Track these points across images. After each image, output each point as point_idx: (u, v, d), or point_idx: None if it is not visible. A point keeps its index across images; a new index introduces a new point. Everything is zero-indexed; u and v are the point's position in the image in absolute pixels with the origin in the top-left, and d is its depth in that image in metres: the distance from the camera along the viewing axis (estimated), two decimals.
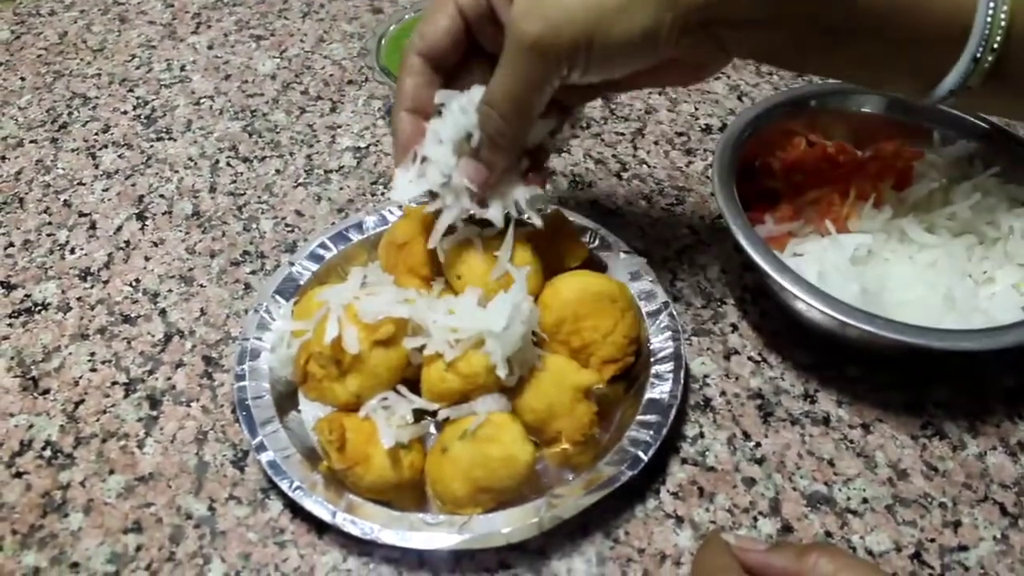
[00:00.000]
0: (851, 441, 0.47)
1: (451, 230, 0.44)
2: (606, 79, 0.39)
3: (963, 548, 0.42)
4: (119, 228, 0.60)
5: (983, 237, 0.50)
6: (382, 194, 0.61)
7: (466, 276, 0.44)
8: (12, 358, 0.51)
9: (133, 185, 0.63)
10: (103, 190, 0.62)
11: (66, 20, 0.80)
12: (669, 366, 0.46)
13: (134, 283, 0.56)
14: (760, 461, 0.46)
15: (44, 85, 0.72)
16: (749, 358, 0.51)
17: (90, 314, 0.54)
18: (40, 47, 0.77)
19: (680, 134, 0.67)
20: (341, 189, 0.62)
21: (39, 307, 0.54)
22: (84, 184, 0.63)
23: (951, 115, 0.54)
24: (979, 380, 0.49)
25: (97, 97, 0.71)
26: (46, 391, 0.50)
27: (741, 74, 0.72)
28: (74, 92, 0.72)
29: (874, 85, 0.52)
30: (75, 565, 0.42)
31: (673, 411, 0.44)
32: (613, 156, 0.64)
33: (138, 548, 0.43)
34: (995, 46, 0.37)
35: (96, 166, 0.64)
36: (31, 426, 0.48)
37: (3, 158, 0.65)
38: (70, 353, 0.52)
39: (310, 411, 0.46)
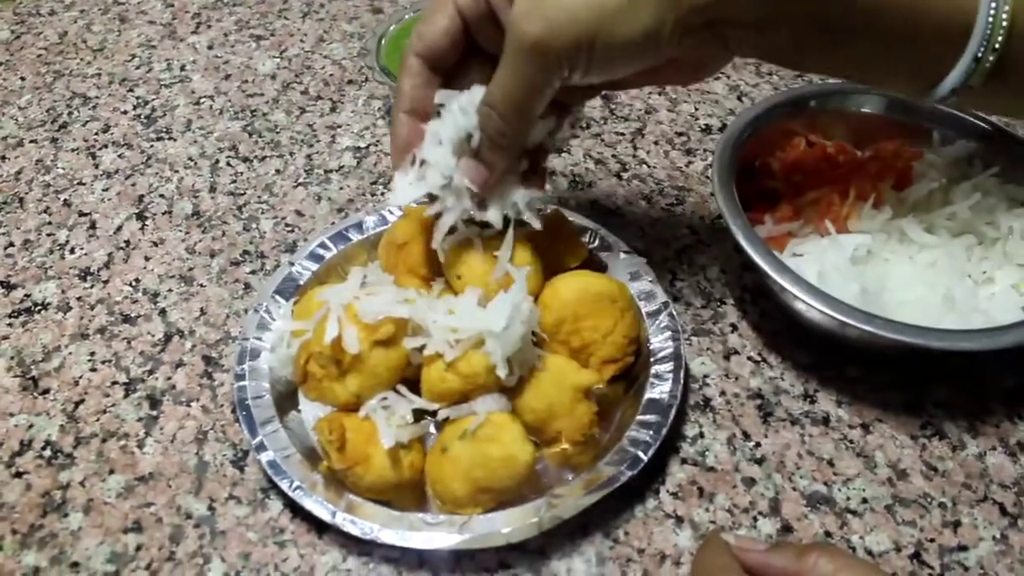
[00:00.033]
0: (851, 441, 0.47)
1: (451, 231, 0.44)
2: (607, 79, 0.39)
3: (963, 548, 0.42)
4: (119, 228, 0.60)
5: (983, 237, 0.50)
6: (382, 194, 0.61)
7: (466, 276, 0.44)
8: (12, 358, 0.51)
9: (133, 185, 0.63)
10: (103, 190, 0.62)
11: (66, 20, 0.80)
12: (669, 366, 0.46)
13: (134, 283, 0.56)
14: (760, 461, 0.46)
15: (44, 85, 0.72)
16: (749, 358, 0.51)
17: (90, 314, 0.54)
18: (40, 47, 0.77)
19: (680, 134, 0.67)
20: (341, 189, 0.62)
21: (39, 307, 0.54)
22: (84, 184, 0.63)
23: (951, 115, 0.54)
24: (979, 380, 0.49)
25: (97, 97, 0.71)
26: (46, 391, 0.50)
27: (741, 74, 0.72)
28: (74, 92, 0.72)
29: (875, 84, 0.52)
30: (75, 565, 0.42)
31: (673, 411, 0.44)
32: (613, 156, 0.64)
33: (138, 548, 0.43)
34: (996, 46, 0.36)
35: (96, 166, 0.65)
36: (31, 426, 0.48)
37: (3, 158, 0.65)
38: (70, 353, 0.52)
39: (310, 411, 0.46)
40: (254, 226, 0.59)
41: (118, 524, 0.44)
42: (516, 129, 0.40)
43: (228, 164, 0.64)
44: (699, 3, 0.36)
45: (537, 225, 0.44)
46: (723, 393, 0.49)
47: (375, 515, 0.41)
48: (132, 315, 0.54)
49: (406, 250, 0.46)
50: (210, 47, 0.76)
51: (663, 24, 0.36)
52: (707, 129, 0.67)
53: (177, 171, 0.64)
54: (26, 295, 0.55)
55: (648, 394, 0.45)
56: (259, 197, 0.62)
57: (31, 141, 0.67)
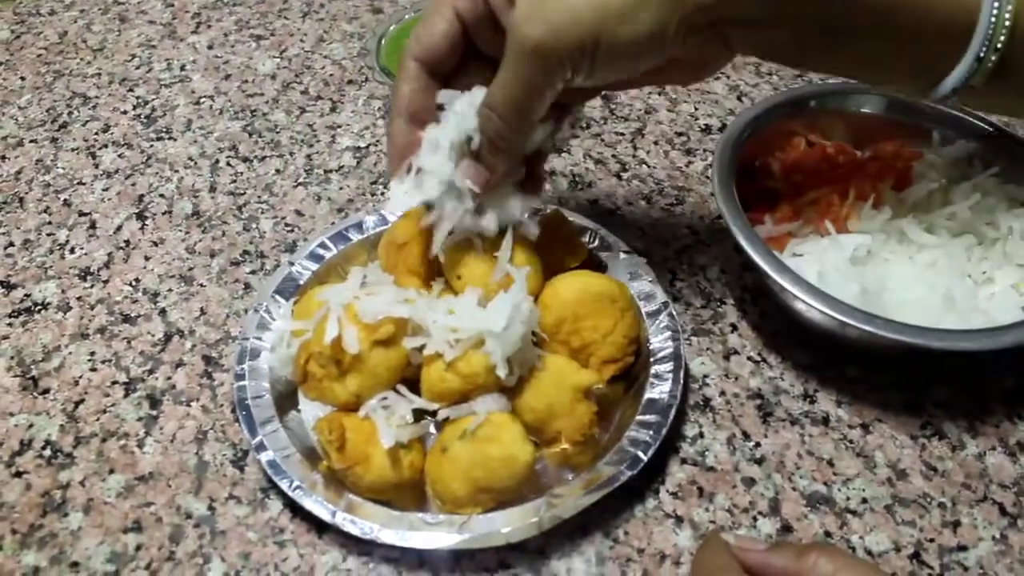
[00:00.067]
0: (850, 441, 0.47)
1: (449, 233, 0.44)
2: (610, 81, 0.39)
3: (962, 548, 0.42)
4: (119, 228, 0.60)
5: (982, 237, 0.50)
6: (382, 194, 0.61)
7: (466, 276, 0.44)
8: (12, 358, 0.51)
9: (133, 185, 0.63)
10: (103, 190, 0.62)
11: (66, 20, 0.80)
12: (669, 366, 0.46)
13: (134, 283, 0.56)
14: (760, 461, 0.46)
15: (44, 85, 0.72)
16: (749, 358, 0.51)
17: (90, 314, 0.54)
18: (40, 47, 0.77)
19: (680, 134, 0.67)
20: (341, 189, 0.62)
21: (39, 307, 0.54)
22: (84, 184, 0.63)
23: (950, 115, 0.54)
24: (978, 380, 0.49)
25: (97, 97, 0.71)
26: (46, 391, 0.50)
27: (741, 74, 0.72)
28: (74, 92, 0.72)
29: (876, 83, 0.52)
30: (75, 564, 0.42)
31: (673, 411, 0.44)
32: (613, 156, 0.65)
33: (138, 547, 0.43)
34: (999, 45, 0.36)
35: (96, 166, 0.65)
36: (31, 425, 0.48)
37: (3, 158, 0.65)
38: (70, 353, 0.52)
39: (310, 411, 0.46)
40: (254, 226, 0.59)
41: (118, 524, 0.44)
42: (516, 131, 0.39)
43: (228, 164, 0.64)
44: (703, 2, 0.36)
45: (535, 232, 0.44)
46: (723, 393, 0.49)
47: (375, 515, 0.41)
48: (132, 315, 0.54)
49: (406, 250, 0.46)
50: (210, 47, 0.76)
51: (667, 24, 0.36)
52: (707, 129, 0.67)
53: (177, 171, 0.64)
54: (26, 295, 0.55)
55: (648, 394, 0.45)
56: (259, 197, 0.62)
57: (31, 141, 0.67)
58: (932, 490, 0.45)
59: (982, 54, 0.37)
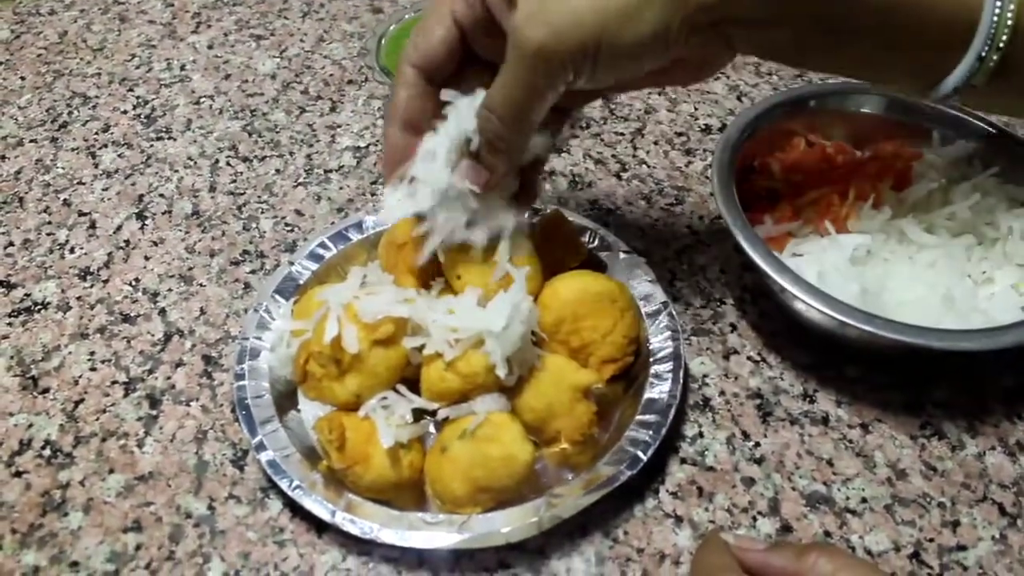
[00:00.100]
0: (850, 441, 0.47)
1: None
2: (612, 83, 0.39)
3: (962, 548, 0.42)
4: (119, 227, 0.60)
5: (982, 237, 0.50)
6: (381, 194, 0.61)
7: (466, 276, 0.44)
8: (12, 357, 0.51)
9: (133, 184, 0.63)
10: (103, 189, 0.62)
11: (66, 19, 0.80)
12: (668, 366, 0.46)
13: (134, 282, 0.56)
14: (759, 461, 0.46)
15: (44, 84, 0.72)
16: (748, 358, 0.51)
17: (90, 313, 0.54)
18: (40, 46, 0.77)
19: (680, 134, 0.67)
20: (341, 189, 0.62)
21: (39, 306, 0.54)
22: (84, 183, 0.63)
23: (950, 115, 0.54)
24: (978, 380, 0.49)
25: (97, 96, 0.71)
26: (46, 390, 0.50)
27: (740, 74, 0.72)
28: (74, 91, 0.72)
29: (877, 82, 0.52)
30: (75, 564, 0.42)
31: (672, 411, 0.44)
32: (613, 156, 0.65)
33: (138, 547, 0.43)
34: (1001, 45, 0.36)
35: (96, 165, 0.65)
36: (31, 425, 0.48)
37: (3, 157, 0.65)
38: (70, 352, 0.52)
39: (310, 410, 0.46)
40: (254, 226, 0.59)
41: (118, 523, 0.44)
42: (516, 133, 0.39)
43: (228, 164, 0.64)
44: (705, 2, 0.35)
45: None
46: (722, 393, 0.49)
47: (375, 514, 0.41)
48: (132, 315, 0.54)
49: (406, 250, 0.46)
50: (210, 47, 0.76)
51: (670, 24, 0.36)
52: (707, 129, 0.67)
53: (177, 171, 0.64)
54: (26, 294, 0.55)
55: (647, 394, 0.45)
56: (259, 197, 0.62)
57: (31, 141, 0.67)
58: (932, 490, 0.45)
59: (984, 53, 0.37)
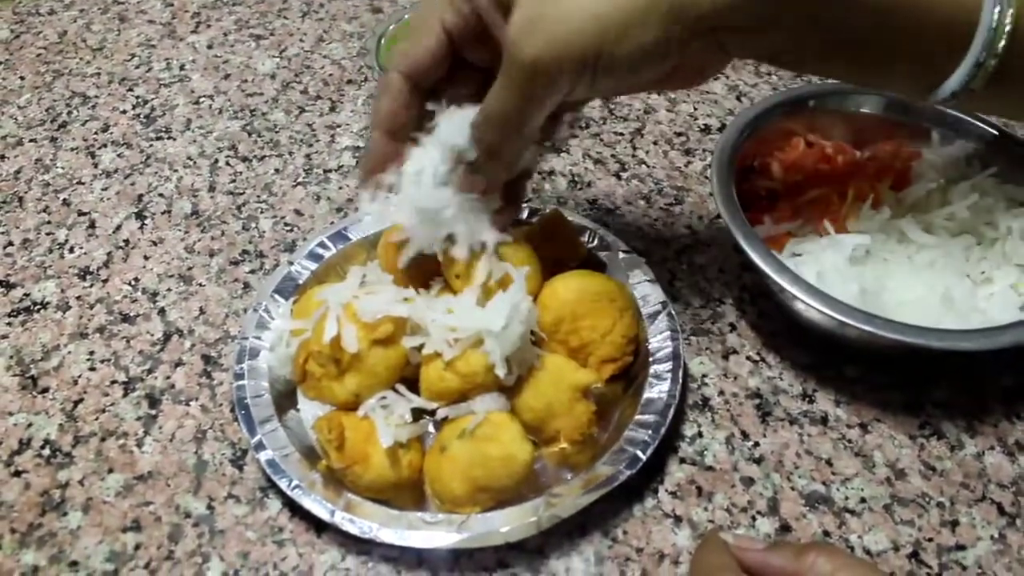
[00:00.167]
0: (849, 441, 0.47)
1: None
2: (609, 94, 0.38)
3: (961, 547, 0.42)
4: (118, 227, 0.60)
5: (981, 237, 0.50)
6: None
7: (465, 276, 0.44)
8: (11, 357, 0.51)
9: (132, 184, 0.63)
10: (102, 189, 0.62)
11: (65, 19, 0.80)
12: (667, 366, 0.46)
13: (133, 282, 0.56)
14: (758, 460, 0.46)
15: (43, 84, 0.72)
16: (748, 358, 0.51)
17: (89, 313, 0.54)
18: (40, 46, 0.77)
19: (679, 134, 0.67)
20: (340, 188, 0.62)
21: (38, 306, 0.54)
22: (83, 183, 0.63)
23: (950, 115, 0.54)
24: (977, 380, 0.49)
25: (96, 96, 0.71)
26: (45, 390, 0.50)
27: (740, 74, 0.72)
28: (73, 91, 0.72)
29: (875, 87, 0.52)
30: (74, 564, 0.42)
31: (671, 411, 0.44)
32: (612, 156, 0.65)
33: (137, 547, 0.43)
34: (999, 50, 0.36)
35: (95, 165, 0.65)
36: (30, 425, 0.48)
37: (2, 157, 0.65)
38: (69, 352, 0.52)
39: (309, 410, 0.46)
40: (253, 225, 0.59)
41: (117, 523, 0.44)
42: (513, 143, 0.39)
43: (227, 163, 0.64)
44: (702, 12, 0.35)
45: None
46: (722, 393, 0.49)
47: (374, 514, 0.41)
48: (131, 314, 0.54)
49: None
50: (210, 46, 0.76)
51: (669, 37, 0.35)
52: (706, 129, 0.67)
53: (176, 170, 0.64)
54: (25, 294, 0.55)
55: (647, 393, 0.45)
56: (258, 196, 0.62)
57: (30, 140, 0.67)
58: (931, 490, 0.45)
59: (982, 58, 0.36)
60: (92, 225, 0.60)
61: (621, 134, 0.67)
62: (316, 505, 0.41)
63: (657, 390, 0.45)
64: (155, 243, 0.58)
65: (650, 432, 0.43)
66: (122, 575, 0.42)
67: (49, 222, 0.60)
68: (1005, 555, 0.42)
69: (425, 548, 0.40)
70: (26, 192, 0.62)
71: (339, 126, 0.67)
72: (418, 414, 0.43)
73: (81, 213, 0.61)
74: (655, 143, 0.66)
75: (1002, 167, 0.52)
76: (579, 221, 0.53)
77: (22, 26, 0.79)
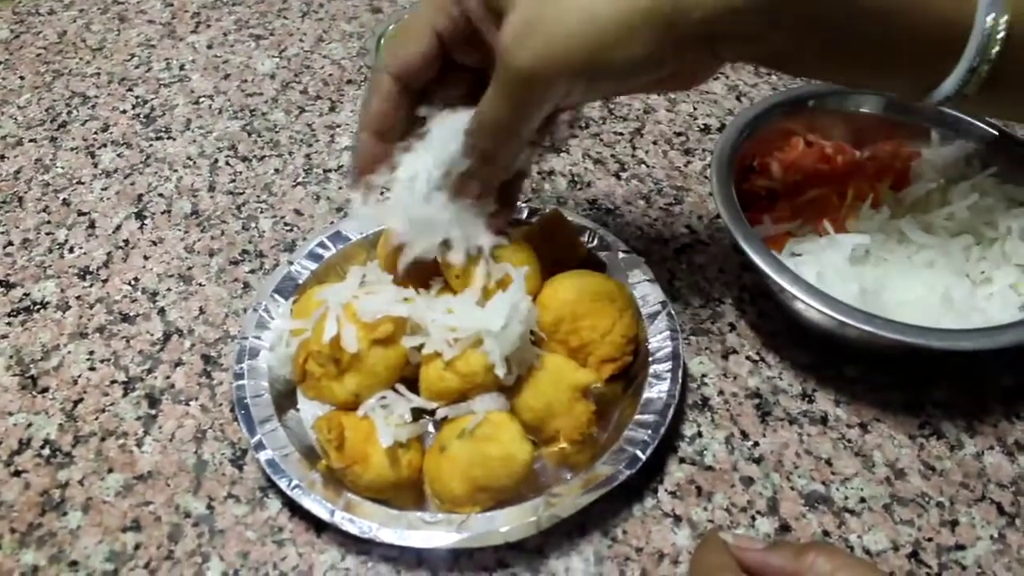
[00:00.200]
0: (849, 440, 0.47)
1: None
2: (603, 98, 0.38)
3: (960, 547, 0.42)
4: (118, 227, 0.60)
5: (981, 237, 0.50)
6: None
7: (465, 275, 0.44)
8: (11, 357, 0.51)
9: (132, 184, 0.63)
10: (102, 189, 0.62)
11: (65, 19, 0.80)
12: (667, 365, 0.46)
13: (133, 282, 0.56)
14: (758, 460, 0.46)
15: (43, 84, 0.72)
16: (747, 358, 0.51)
17: (89, 313, 0.54)
18: (39, 46, 0.77)
19: (679, 134, 0.67)
20: (340, 188, 0.62)
21: (38, 306, 0.54)
22: (83, 183, 0.63)
23: (949, 115, 0.54)
24: (977, 380, 0.49)
25: (96, 96, 0.71)
26: (45, 390, 0.50)
27: (740, 74, 0.72)
28: (73, 91, 0.72)
29: (871, 88, 0.52)
30: (74, 563, 0.42)
31: (671, 410, 0.44)
32: (612, 156, 0.65)
33: (137, 546, 0.43)
34: (992, 56, 0.36)
35: (95, 165, 0.65)
36: (30, 425, 0.48)
37: (2, 157, 0.65)
38: (69, 352, 0.52)
39: (309, 410, 0.46)
40: (253, 225, 0.59)
41: (117, 523, 0.44)
42: (507, 148, 0.39)
43: (227, 163, 0.64)
44: (693, 21, 0.35)
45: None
46: (721, 392, 0.49)
47: (373, 514, 0.41)
48: (131, 314, 0.54)
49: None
50: (209, 46, 0.76)
51: (662, 45, 0.35)
52: (706, 129, 0.67)
53: (176, 170, 0.64)
54: (25, 294, 0.55)
55: (646, 393, 0.45)
56: (258, 196, 0.62)
57: (30, 140, 0.67)
58: (930, 489, 0.45)
59: (975, 64, 0.36)
60: (92, 225, 0.60)
61: (621, 134, 0.67)
62: (316, 505, 0.41)
63: (657, 390, 0.45)
64: (155, 243, 0.58)
65: (650, 432, 0.43)
66: (122, 575, 0.42)
67: (49, 222, 0.60)
68: (1005, 555, 0.42)
69: (425, 548, 0.40)
70: (26, 192, 0.62)
71: (339, 126, 0.67)
72: (418, 414, 0.43)
73: (81, 213, 0.61)
74: (655, 143, 0.66)
75: (1002, 167, 0.52)
76: (579, 221, 0.53)
77: (22, 26, 0.79)
